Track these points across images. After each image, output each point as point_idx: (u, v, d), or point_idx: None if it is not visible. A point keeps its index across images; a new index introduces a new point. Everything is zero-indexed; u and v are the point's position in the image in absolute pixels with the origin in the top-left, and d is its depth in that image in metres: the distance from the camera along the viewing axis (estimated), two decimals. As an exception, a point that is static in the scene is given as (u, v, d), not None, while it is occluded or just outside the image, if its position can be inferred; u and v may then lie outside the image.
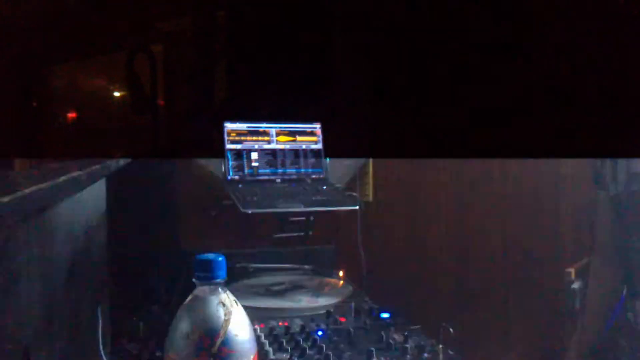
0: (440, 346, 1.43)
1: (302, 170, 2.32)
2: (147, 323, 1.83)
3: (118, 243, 1.86)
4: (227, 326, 0.94)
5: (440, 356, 1.40)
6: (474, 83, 2.23)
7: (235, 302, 1.00)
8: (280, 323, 1.61)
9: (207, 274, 0.99)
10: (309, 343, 1.45)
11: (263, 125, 2.33)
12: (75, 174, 1.36)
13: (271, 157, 2.30)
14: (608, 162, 1.76)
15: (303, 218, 2.19)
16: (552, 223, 2.42)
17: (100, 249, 1.72)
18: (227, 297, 0.99)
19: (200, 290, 0.99)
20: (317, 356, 1.40)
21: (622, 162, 1.73)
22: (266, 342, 1.47)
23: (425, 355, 1.44)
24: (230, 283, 1.06)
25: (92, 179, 1.56)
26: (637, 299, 1.67)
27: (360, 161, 2.72)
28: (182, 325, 0.95)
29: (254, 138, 2.31)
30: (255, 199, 2.06)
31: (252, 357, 0.99)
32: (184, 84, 3.00)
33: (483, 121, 2.20)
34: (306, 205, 2.06)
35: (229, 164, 2.24)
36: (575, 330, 1.75)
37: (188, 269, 1.04)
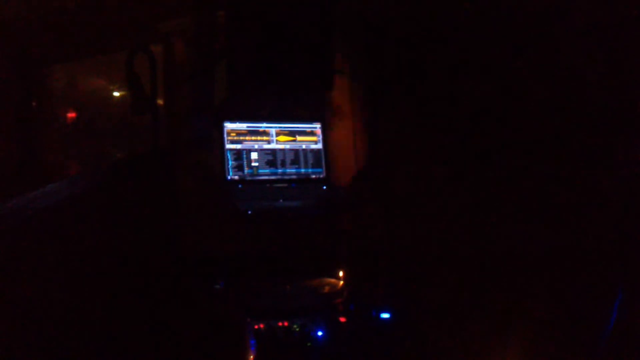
0: None
1: (302, 170, 2.33)
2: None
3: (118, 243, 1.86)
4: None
5: None
6: (473, 81, 2.23)
7: None
8: (280, 323, 1.62)
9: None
10: (309, 343, 1.46)
11: (263, 125, 2.33)
12: (75, 174, 1.36)
13: (271, 157, 2.31)
14: None
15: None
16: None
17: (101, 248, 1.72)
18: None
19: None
20: (317, 356, 1.40)
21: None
22: (266, 342, 1.48)
23: None
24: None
25: (92, 179, 1.57)
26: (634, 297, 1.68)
27: (360, 161, 2.72)
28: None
29: (254, 138, 2.31)
30: (255, 199, 2.07)
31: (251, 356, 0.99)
32: (184, 83, 3.00)
33: (483, 121, 2.21)
34: (306, 206, 2.06)
35: (228, 164, 2.24)
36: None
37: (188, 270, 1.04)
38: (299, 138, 2.36)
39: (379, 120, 2.63)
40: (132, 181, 2.02)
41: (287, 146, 2.34)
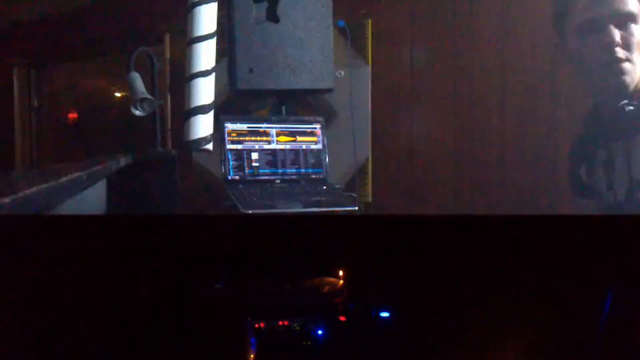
0: None
1: (302, 170, 2.33)
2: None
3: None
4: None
5: None
6: (473, 78, 2.24)
7: None
8: (280, 323, 1.62)
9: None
10: (309, 342, 1.46)
11: (263, 126, 2.33)
12: (76, 174, 1.37)
13: (271, 157, 2.31)
14: None
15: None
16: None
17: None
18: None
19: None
20: (317, 356, 1.41)
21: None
22: (266, 341, 1.48)
23: None
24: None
25: (92, 179, 1.57)
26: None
27: (360, 161, 2.72)
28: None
29: (254, 138, 2.31)
30: (255, 199, 2.07)
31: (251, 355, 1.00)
32: (185, 84, 3.01)
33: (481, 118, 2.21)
34: (306, 206, 2.07)
35: (229, 164, 2.25)
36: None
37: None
38: (299, 138, 2.36)
39: (379, 120, 2.63)
40: (133, 181, 2.03)
41: (288, 146, 2.34)
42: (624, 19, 1.71)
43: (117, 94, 5.46)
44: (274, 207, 2.03)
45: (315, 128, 2.39)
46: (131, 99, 2.55)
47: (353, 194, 2.39)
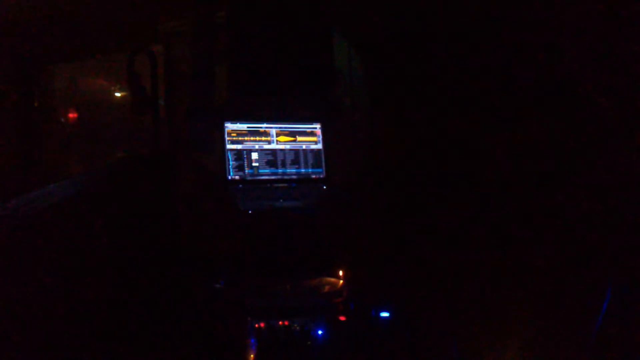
0: None
1: (302, 170, 2.33)
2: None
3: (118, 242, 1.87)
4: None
5: None
6: (473, 79, 2.24)
7: None
8: (280, 322, 1.62)
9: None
10: (309, 342, 1.46)
11: (263, 126, 2.34)
12: (76, 174, 1.37)
13: (271, 157, 2.31)
14: None
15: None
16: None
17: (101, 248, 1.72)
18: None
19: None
20: (317, 356, 1.41)
21: None
22: (267, 341, 1.48)
23: None
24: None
25: (93, 179, 1.57)
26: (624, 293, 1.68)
27: (360, 161, 2.72)
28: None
29: (254, 138, 2.32)
30: (255, 199, 2.07)
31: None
32: (185, 84, 3.01)
33: (481, 120, 2.22)
34: (306, 206, 2.07)
35: (229, 164, 2.25)
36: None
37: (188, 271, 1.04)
38: (299, 138, 2.36)
39: (379, 120, 2.63)
40: (133, 181, 2.03)
41: (288, 146, 2.35)
42: None
43: (117, 94, 5.46)
44: (274, 207, 2.04)
45: (315, 128, 2.40)
46: (132, 98, 2.55)
47: (353, 194, 2.39)
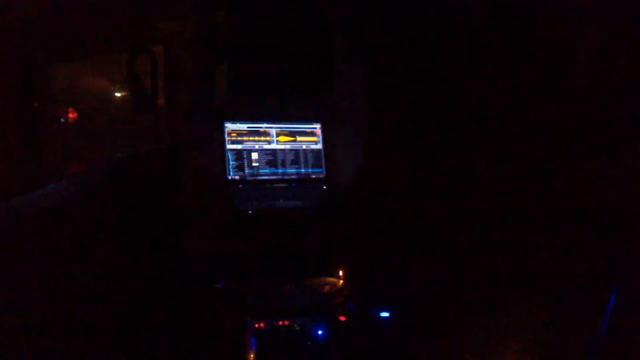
0: None
1: (302, 170, 2.33)
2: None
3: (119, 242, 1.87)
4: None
5: None
6: (472, 79, 2.24)
7: None
8: (280, 322, 1.62)
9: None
10: (309, 342, 1.46)
11: (263, 126, 2.34)
12: (76, 174, 1.37)
13: (271, 157, 2.31)
14: None
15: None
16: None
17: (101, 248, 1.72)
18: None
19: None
20: (317, 356, 1.41)
21: None
22: (267, 341, 1.48)
23: None
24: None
25: (93, 180, 1.57)
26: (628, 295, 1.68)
27: (360, 161, 2.72)
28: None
29: (255, 138, 2.32)
30: (255, 199, 2.07)
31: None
32: (185, 84, 3.01)
33: (481, 121, 2.22)
34: (306, 206, 2.07)
35: (229, 164, 2.25)
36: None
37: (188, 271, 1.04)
38: (299, 138, 2.36)
39: (379, 120, 2.63)
40: (133, 181, 2.03)
41: (288, 146, 2.35)
42: None
43: (117, 94, 5.46)
44: (274, 207, 2.04)
45: (315, 128, 2.40)
46: (132, 98, 2.54)
47: (353, 194, 2.39)
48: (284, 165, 2.32)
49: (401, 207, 2.56)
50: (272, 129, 2.34)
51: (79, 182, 1.39)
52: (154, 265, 2.02)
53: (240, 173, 2.26)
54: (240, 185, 2.21)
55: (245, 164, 2.28)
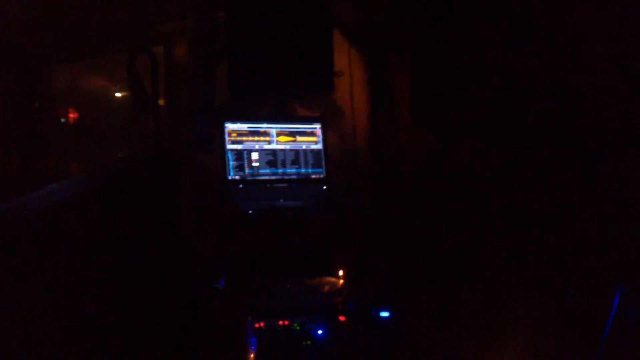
0: None
1: (302, 170, 2.33)
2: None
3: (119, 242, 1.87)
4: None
5: None
6: (478, 76, 2.24)
7: None
8: (280, 322, 1.63)
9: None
10: (309, 342, 1.47)
11: (263, 126, 2.34)
12: (77, 174, 1.37)
13: (271, 157, 2.31)
14: None
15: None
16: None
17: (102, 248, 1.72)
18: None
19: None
20: (317, 355, 1.41)
21: None
22: (267, 340, 1.49)
23: None
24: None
25: (93, 180, 1.57)
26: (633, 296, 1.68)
27: (360, 161, 2.72)
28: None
29: (255, 138, 2.32)
30: (255, 199, 2.07)
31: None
32: (185, 84, 3.01)
33: (481, 121, 2.22)
34: (306, 206, 2.07)
35: (229, 164, 2.25)
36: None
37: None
38: (299, 138, 2.36)
39: (379, 120, 2.63)
40: (134, 181, 2.03)
41: (288, 146, 2.35)
42: None
43: (117, 94, 5.47)
44: (274, 207, 2.04)
45: (315, 128, 2.40)
46: (132, 99, 2.55)
47: (353, 194, 2.39)
48: (284, 165, 2.32)
49: (401, 206, 2.56)
50: (272, 129, 2.34)
51: (79, 182, 1.39)
52: (154, 265, 2.02)
53: (240, 173, 2.26)
54: (240, 185, 2.21)
55: (245, 164, 2.28)
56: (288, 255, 2.21)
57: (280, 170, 2.31)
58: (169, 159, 2.49)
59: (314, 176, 2.34)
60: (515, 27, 2.08)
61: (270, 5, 2.36)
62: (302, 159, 2.35)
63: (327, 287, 2.02)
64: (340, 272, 2.14)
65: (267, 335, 1.52)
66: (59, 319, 1.22)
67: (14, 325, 0.96)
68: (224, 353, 1.72)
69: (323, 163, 2.37)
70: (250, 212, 1.96)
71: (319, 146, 2.38)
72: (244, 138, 2.31)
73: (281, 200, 2.09)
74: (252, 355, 1.65)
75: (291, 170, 2.32)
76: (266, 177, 2.29)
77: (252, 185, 2.25)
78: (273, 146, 2.33)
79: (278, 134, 2.35)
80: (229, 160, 2.26)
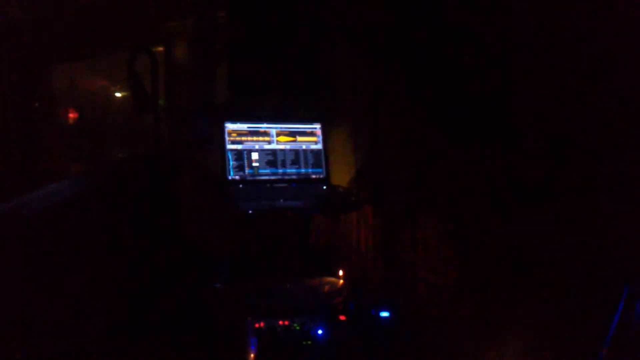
0: None
1: (302, 170, 2.33)
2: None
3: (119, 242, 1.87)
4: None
5: None
6: (474, 80, 2.24)
7: None
8: (280, 322, 1.62)
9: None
10: (309, 341, 1.47)
11: (263, 126, 2.34)
12: (76, 174, 1.37)
13: (271, 157, 2.31)
14: None
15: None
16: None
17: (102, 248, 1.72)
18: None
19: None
20: (317, 355, 1.41)
21: None
22: (267, 340, 1.48)
23: None
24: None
25: (94, 180, 1.57)
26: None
27: (360, 160, 2.72)
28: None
29: (255, 138, 2.32)
30: (255, 199, 2.07)
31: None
32: (185, 84, 3.01)
33: (481, 120, 2.22)
34: (306, 206, 2.07)
35: (229, 164, 2.25)
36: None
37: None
38: (299, 138, 2.36)
39: (379, 120, 2.63)
40: (134, 181, 2.03)
41: (288, 146, 2.35)
42: None
43: (117, 94, 5.46)
44: (274, 207, 2.04)
45: (315, 128, 2.40)
46: (132, 99, 2.54)
47: (354, 194, 2.39)
48: (284, 165, 2.32)
49: (401, 207, 2.56)
50: (272, 129, 2.34)
51: (79, 182, 1.39)
52: (154, 264, 2.02)
53: (240, 173, 2.26)
54: (240, 185, 2.21)
55: (245, 164, 2.28)
56: (288, 255, 2.21)
57: (280, 170, 2.31)
58: (169, 159, 2.49)
59: (314, 176, 2.34)
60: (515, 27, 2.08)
61: (270, 6, 2.36)
62: (302, 159, 2.35)
63: (327, 287, 2.02)
64: (340, 273, 2.15)
65: (267, 335, 1.52)
66: (59, 319, 1.22)
67: (14, 325, 0.96)
68: (224, 353, 1.72)
69: (323, 163, 2.37)
70: (250, 212, 1.95)
71: (319, 146, 2.38)
72: (244, 138, 2.31)
73: (281, 200, 2.09)
74: (252, 355, 1.65)
75: (291, 170, 2.32)
76: (266, 177, 2.29)
77: (252, 185, 2.25)
78: (273, 146, 2.33)
79: (278, 134, 2.35)
80: (229, 160, 2.25)
